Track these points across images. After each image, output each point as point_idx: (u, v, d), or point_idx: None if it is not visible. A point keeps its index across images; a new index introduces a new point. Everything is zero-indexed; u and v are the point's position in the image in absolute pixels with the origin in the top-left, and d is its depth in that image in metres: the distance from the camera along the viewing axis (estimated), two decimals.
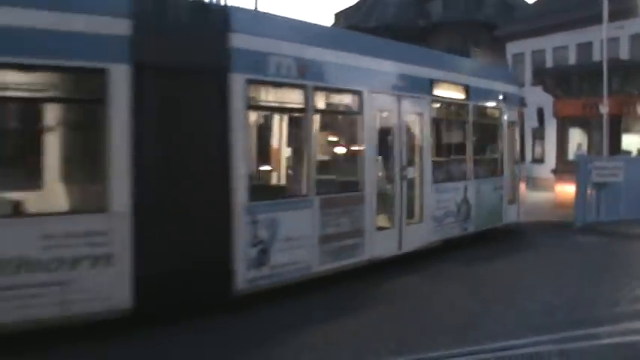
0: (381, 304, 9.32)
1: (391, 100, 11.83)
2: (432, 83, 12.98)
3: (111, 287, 7.54)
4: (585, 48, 30.30)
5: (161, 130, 8.10)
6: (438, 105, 13.45)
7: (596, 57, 27.27)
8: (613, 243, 15.31)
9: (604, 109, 19.09)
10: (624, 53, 28.65)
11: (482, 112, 15.21)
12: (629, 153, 21.33)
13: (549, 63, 32.82)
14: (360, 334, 7.79)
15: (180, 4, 8.59)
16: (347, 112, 11.55)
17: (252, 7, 14.05)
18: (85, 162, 8.47)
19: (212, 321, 8.12)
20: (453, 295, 9.98)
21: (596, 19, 20.62)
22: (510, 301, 9.42)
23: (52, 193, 8.14)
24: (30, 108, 8.31)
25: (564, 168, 21.06)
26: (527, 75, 33.00)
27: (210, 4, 9.84)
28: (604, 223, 16.80)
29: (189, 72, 8.36)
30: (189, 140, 8.40)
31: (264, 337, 7.64)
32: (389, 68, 11.87)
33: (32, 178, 8.14)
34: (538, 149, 31.99)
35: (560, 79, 23.62)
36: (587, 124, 22.04)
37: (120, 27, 7.69)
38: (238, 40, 8.81)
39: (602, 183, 17.08)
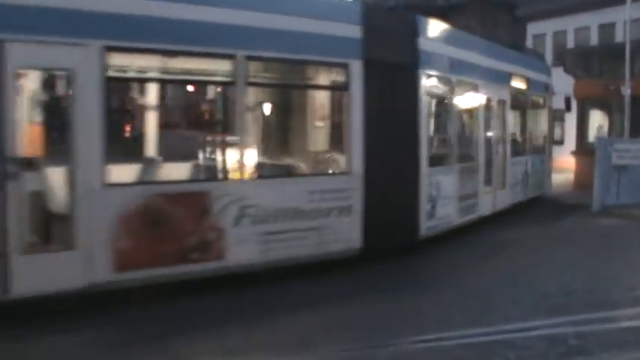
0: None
1: (492, 91, 14.73)
2: (510, 76, 16.07)
3: (349, 231, 9.90)
4: (608, 29, 29.97)
5: (380, 112, 10.25)
6: (512, 94, 16.18)
7: (618, 38, 26.97)
8: (632, 226, 15.19)
9: (626, 90, 18.88)
10: None
11: (535, 99, 18.32)
12: None
13: (570, 44, 32.49)
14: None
15: (390, 15, 12.61)
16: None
17: None
18: (335, 136, 11.12)
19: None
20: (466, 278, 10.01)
21: (619, 0, 20.35)
22: (527, 283, 9.39)
23: (314, 160, 10.89)
24: (301, 95, 11.33)
25: (584, 150, 20.91)
26: (548, 56, 32.67)
27: (405, 14, 13.76)
28: (623, 205, 16.67)
29: (396, 67, 10.80)
30: (395, 121, 10.72)
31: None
32: (490, 64, 14.69)
33: (300, 148, 11.03)
34: (557, 131, 31.75)
35: (581, 60, 23.41)
36: (608, 105, 21.85)
37: (355, 32, 10.03)
38: (423, 43, 11.45)
39: (623, 165, 16.93)
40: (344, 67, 9.93)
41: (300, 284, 8.85)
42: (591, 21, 31.40)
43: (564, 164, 24.02)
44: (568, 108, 22.70)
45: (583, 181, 19.33)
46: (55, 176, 7.91)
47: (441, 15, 36.77)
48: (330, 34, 9.69)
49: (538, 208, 17.61)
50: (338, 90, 10.62)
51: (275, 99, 11.23)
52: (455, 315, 7.79)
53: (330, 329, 7.15)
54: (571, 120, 25.49)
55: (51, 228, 7.92)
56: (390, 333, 7.02)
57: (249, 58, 8.83)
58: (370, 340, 6.79)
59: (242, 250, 8.74)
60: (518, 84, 16.74)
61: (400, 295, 8.74)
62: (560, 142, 30.39)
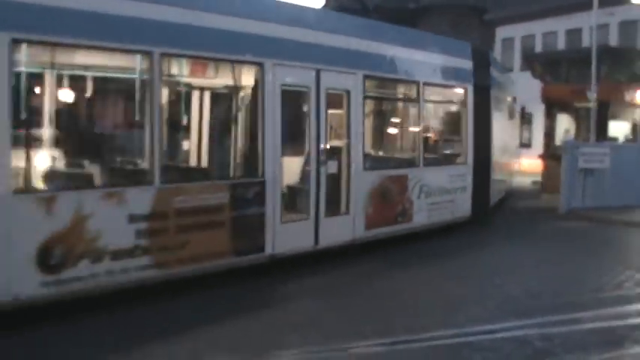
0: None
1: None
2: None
3: (465, 203, 14.03)
4: (575, 34, 30.37)
5: (477, 122, 14.28)
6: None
7: (585, 43, 27.31)
8: (598, 229, 15.39)
9: (592, 95, 19.08)
10: (614, 40, 28.69)
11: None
12: (615, 140, 21.38)
13: (539, 48, 32.84)
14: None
15: (480, 51, 16.10)
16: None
17: None
18: (457, 137, 14.63)
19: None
20: (437, 280, 10.02)
21: (586, 5, 20.61)
22: (493, 285, 9.43)
23: (448, 154, 14.69)
24: (443, 111, 15.48)
25: (551, 153, 21.10)
26: (517, 60, 33.03)
27: (486, 51, 17.94)
28: (589, 209, 16.87)
29: (483, 89, 14.68)
30: (481, 127, 14.59)
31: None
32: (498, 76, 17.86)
33: (441, 146, 14.76)
34: (525, 134, 32.03)
35: (549, 65, 23.60)
36: (575, 110, 22.05)
37: (470, 65, 14.25)
38: (492, 71, 15.64)
39: (589, 169, 17.13)
40: (465, 90, 14.06)
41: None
42: (559, 26, 31.80)
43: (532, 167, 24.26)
44: (524, 119, 23.23)
45: (550, 185, 19.49)
46: (341, 164, 11.03)
47: (412, 18, 37.04)
48: (460, 67, 13.99)
49: (505, 211, 17.73)
50: (461, 106, 14.27)
51: (438, 117, 15.42)
52: (420, 317, 7.79)
53: None
54: (538, 123, 25.75)
55: (338, 199, 11.03)
56: (347, 337, 7.01)
57: (426, 84, 12.94)
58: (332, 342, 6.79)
59: (420, 215, 12.68)
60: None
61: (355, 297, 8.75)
62: (528, 146, 30.72)
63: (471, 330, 7.24)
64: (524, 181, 22.98)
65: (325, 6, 50.69)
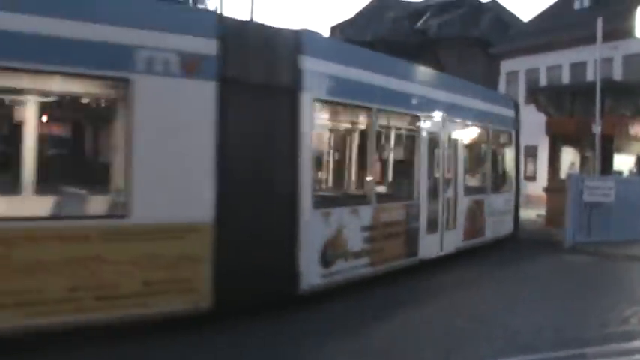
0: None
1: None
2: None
3: (509, 224, 17.71)
4: (579, 67, 30.50)
5: (516, 158, 18.75)
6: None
7: (589, 77, 27.44)
8: (602, 263, 15.33)
9: (596, 128, 19.13)
10: (617, 74, 28.81)
11: None
12: (620, 173, 21.39)
13: (543, 82, 32.99)
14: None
15: (508, 99, 19.59)
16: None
17: (247, 17, 15.72)
18: (505, 170, 18.11)
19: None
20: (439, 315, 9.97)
21: (590, 39, 20.70)
22: (498, 321, 9.38)
23: (499, 184, 17.38)
24: (492, 150, 17.04)
25: (556, 186, 21.10)
26: (521, 93, 33.15)
27: (516, 102, 19.58)
28: (594, 243, 16.82)
29: (517, 132, 18.59)
30: (517, 163, 18.90)
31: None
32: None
33: (497, 179, 17.44)
34: (530, 167, 32.08)
35: (553, 98, 23.68)
36: (579, 143, 22.10)
37: (514, 114, 18.32)
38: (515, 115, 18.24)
39: (594, 203, 17.11)
40: (510, 134, 17.89)
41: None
42: (563, 59, 31.95)
43: (537, 200, 24.25)
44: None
45: (555, 218, 19.46)
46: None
47: (417, 51, 37.31)
48: (510, 116, 17.82)
49: (510, 244, 17.68)
50: (509, 146, 17.91)
51: (495, 154, 17.35)
52: (426, 351, 7.75)
53: None
54: (543, 156, 25.78)
55: (450, 217, 14.04)
56: None
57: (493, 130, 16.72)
58: None
59: (489, 230, 16.01)
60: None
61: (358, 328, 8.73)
62: (533, 179, 30.74)
63: None
64: (528, 214, 22.93)
65: (331, 36, 51.32)
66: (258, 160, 8.81)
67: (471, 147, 15.99)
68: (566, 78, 32.05)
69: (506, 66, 36.26)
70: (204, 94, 8.12)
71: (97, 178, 8.68)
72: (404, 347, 7.97)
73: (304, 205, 9.29)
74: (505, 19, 45.74)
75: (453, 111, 13.96)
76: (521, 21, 44.89)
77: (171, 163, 7.90)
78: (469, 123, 15.04)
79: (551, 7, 38.02)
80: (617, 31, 23.36)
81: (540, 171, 29.07)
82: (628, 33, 20.36)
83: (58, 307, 7.08)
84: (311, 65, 9.45)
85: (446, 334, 8.56)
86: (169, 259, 7.77)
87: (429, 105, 13.02)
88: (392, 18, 47.93)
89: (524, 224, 19.80)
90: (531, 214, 23.02)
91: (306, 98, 9.28)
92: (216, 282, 8.09)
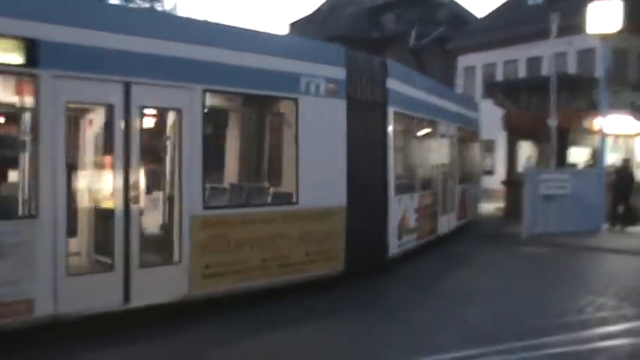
0: None
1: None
2: None
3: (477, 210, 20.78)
4: (535, 62, 30.88)
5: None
6: None
7: (545, 71, 27.78)
8: (560, 254, 15.59)
9: (552, 122, 19.43)
10: (572, 68, 29.26)
11: None
12: (575, 166, 21.75)
13: (500, 76, 33.34)
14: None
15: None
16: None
17: (204, 18, 15.68)
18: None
19: None
20: (398, 305, 10.04)
21: (545, 34, 20.99)
22: (457, 312, 9.47)
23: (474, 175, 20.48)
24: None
25: (514, 180, 21.40)
26: (479, 88, 33.47)
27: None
28: (551, 234, 17.10)
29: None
30: None
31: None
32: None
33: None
34: (489, 161, 32.43)
35: (510, 93, 23.99)
36: (536, 136, 22.40)
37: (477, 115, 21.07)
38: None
39: (550, 195, 17.38)
40: (476, 132, 20.80)
41: None
42: (519, 54, 32.32)
43: (495, 194, 24.55)
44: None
45: (513, 210, 19.73)
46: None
47: (376, 47, 37.43)
48: (474, 117, 20.16)
49: (468, 236, 17.89)
50: (475, 143, 20.89)
51: (470, 154, 20.21)
52: (382, 345, 7.81)
53: None
54: (501, 150, 26.08)
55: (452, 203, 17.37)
56: None
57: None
58: None
59: (470, 213, 19.57)
60: None
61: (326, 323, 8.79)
62: (491, 172, 31.09)
63: (435, 358, 7.25)
64: (488, 207, 23.22)
65: (290, 33, 51.23)
66: (366, 159, 11.40)
67: (462, 146, 18.98)
68: (522, 72, 32.42)
69: (463, 61, 36.56)
70: (339, 110, 10.72)
71: (275, 175, 10.90)
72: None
73: (390, 192, 12.22)
74: (461, 15, 46.13)
75: (456, 118, 18.03)
76: (476, 17, 45.30)
77: (321, 162, 10.37)
78: (461, 127, 18.50)
79: (506, 3, 38.40)
80: (571, 27, 23.66)
81: (498, 165, 29.43)
82: (581, 28, 20.63)
83: (256, 273, 9.32)
84: (393, 86, 12.29)
85: (403, 328, 8.65)
86: (320, 235, 10.33)
87: (453, 116, 17.62)
88: (350, 14, 47.98)
89: (483, 217, 20.06)
90: (490, 207, 23.31)
91: (390, 111, 12.09)
92: (346, 252, 10.75)
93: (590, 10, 19.17)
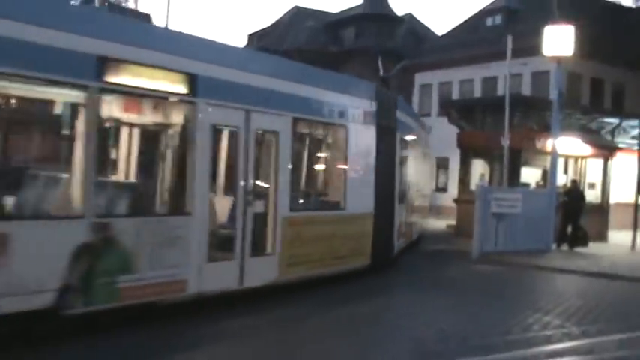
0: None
1: None
2: None
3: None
4: (490, 82, 31.31)
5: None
6: None
7: (500, 91, 28.16)
8: (509, 272, 15.67)
9: (505, 142, 19.62)
10: (526, 89, 29.71)
11: None
12: (527, 185, 21.99)
13: (455, 95, 33.69)
14: None
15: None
16: None
17: (164, 25, 15.56)
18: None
19: None
20: (346, 324, 9.97)
21: (501, 55, 21.25)
22: (403, 329, 9.41)
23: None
24: None
25: (466, 198, 21.53)
26: (434, 106, 33.76)
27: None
28: (501, 252, 17.21)
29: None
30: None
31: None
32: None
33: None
34: (442, 178, 32.68)
35: (465, 112, 24.17)
36: (489, 156, 22.60)
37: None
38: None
39: (501, 214, 17.53)
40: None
41: None
42: (475, 74, 32.72)
43: (447, 211, 24.68)
44: None
45: (464, 228, 19.84)
46: None
47: (334, 62, 37.54)
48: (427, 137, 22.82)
49: (418, 254, 17.91)
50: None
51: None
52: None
53: None
54: (454, 168, 26.27)
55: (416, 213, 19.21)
56: None
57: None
58: None
59: (423, 224, 21.25)
60: None
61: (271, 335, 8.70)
62: (444, 190, 31.33)
63: None
64: (439, 225, 23.34)
65: (247, 46, 51.10)
66: (385, 174, 13.76)
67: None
68: (477, 92, 32.83)
69: (419, 78, 36.88)
70: (371, 135, 13.16)
71: (330, 186, 13.30)
72: None
73: (396, 201, 14.71)
74: (420, 32, 46.59)
75: (425, 140, 21.56)
76: (435, 35, 45.77)
77: (360, 176, 12.91)
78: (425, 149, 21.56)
79: (465, 23, 38.92)
80: (527, 49, 24.05)
81: (451, 182, 29.65)
82: (537, 50, 20.95)
83: (317, 264, 11.54)
84: (399, 116, 15.02)
85: (353, 342, 8.57)
86: (357, 235, 12.72)
87: (424, 138, 21.18)
88: (309, 28, 48.09)
89: (434, 234, 20.13)
90: (442, 224, 23.43)
91: (398, 136, 14.80)
92: (372, 249, 13.12)
93: (547, 34, 19.47)
